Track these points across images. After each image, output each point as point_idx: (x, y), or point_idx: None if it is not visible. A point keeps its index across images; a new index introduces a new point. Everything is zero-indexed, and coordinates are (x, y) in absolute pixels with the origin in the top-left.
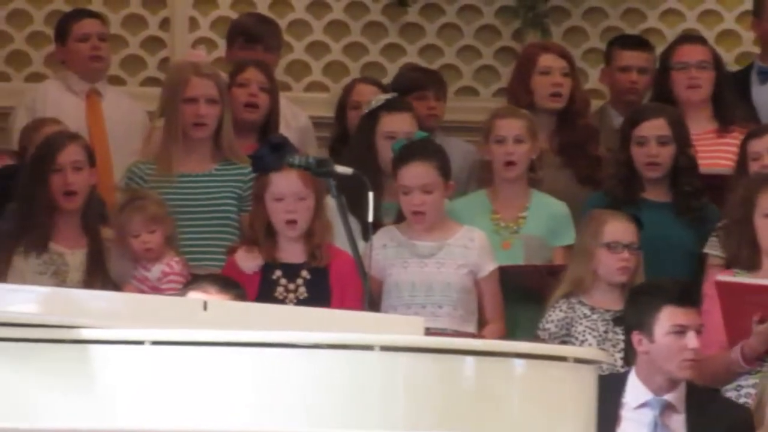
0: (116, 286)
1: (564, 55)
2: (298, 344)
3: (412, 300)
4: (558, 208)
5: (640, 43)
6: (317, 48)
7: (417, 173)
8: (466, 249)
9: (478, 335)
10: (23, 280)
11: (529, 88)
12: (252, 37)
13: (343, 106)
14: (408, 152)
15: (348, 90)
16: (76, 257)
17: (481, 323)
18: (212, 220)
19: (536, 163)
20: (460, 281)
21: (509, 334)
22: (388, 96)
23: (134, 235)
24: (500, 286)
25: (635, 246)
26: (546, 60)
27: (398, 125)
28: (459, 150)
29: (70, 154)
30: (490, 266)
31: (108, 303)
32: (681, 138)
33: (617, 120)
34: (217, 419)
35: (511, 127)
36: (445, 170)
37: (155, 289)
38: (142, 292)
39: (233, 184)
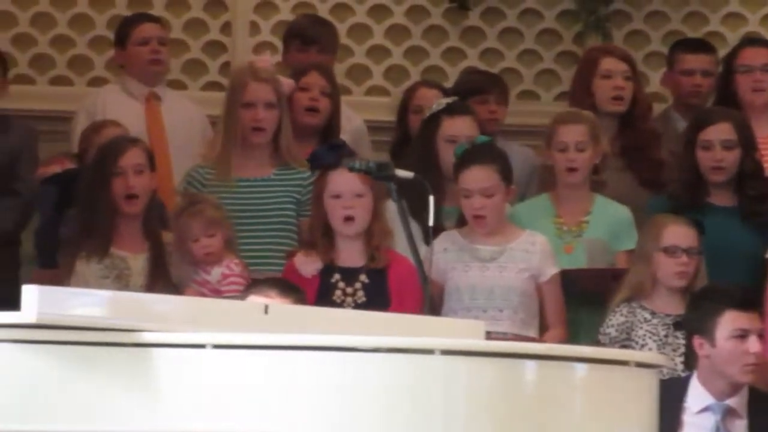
0: (177, 290)
1: (626, 59)
2: (359, 348)
3: (472, 304)
4: (620, 212)
5: (702, 46)
6: (378, 52)
7: (478, 177)
8: (527, 253)
9: (539, 339)
10: (86, 285)
11: (591, 91)
12: (307, 39)
13: (404, 110)
14: (469, 156)
15: (409, 93)
16: (137, 261)
17: (543, 328)
18: (271, 224)
19: (599, 166)
20: (521, 285)
21: (571, 338)
22: (450, 100)
23: (194, 239)
24: (562, 291)
25: (695, 250)
26: (608, 63)
27: (459, 129)
28: (518, 154)
29: (132, 157)
30: (551, 270)
31: (170, 306)
32: (746, 142)
33: (680, 123)
34: (277, 423)
35: (572, 133)
36: (506, 174)
37: (216, 292)
38: (203, 295)
39: (292, 189)
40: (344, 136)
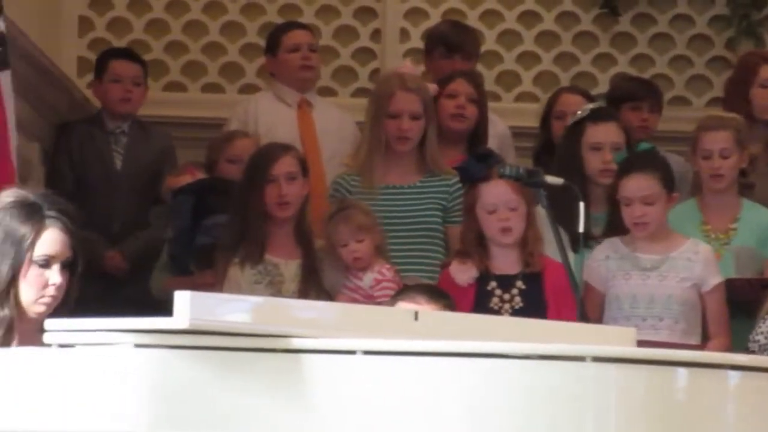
0: (330, 296)
1: None
2: (509, 354)
3: (632, 312)
4: None
5: None
6: (527, 58)
7: (638, 185)
8: (689, 262)
9: (701, 349)
10: (239, 291)
11: (747, 98)
12: (452, 46)
13: (547, 116)
14: (629, 164)
15: (553, 99)
16: (290, 267)
17: (705, 337)
18: (417, 232)
19: (747, 169)
20: (682, 294)
21: None
22: (594, 105)
23: (342, 244)
24: (725, 300)
25: None
26: (767, 72)
27: (603, 135)
28: (671, 162)
29: (284, 165)
30: (714, 280)
31: (319, 312)
32: None
33: None
34: (428, 430)
35: (716, 140)
36: (668, 181)
37: (369, 298)
38: (356, 301)
39: (438, 196)
40: (490, 141)
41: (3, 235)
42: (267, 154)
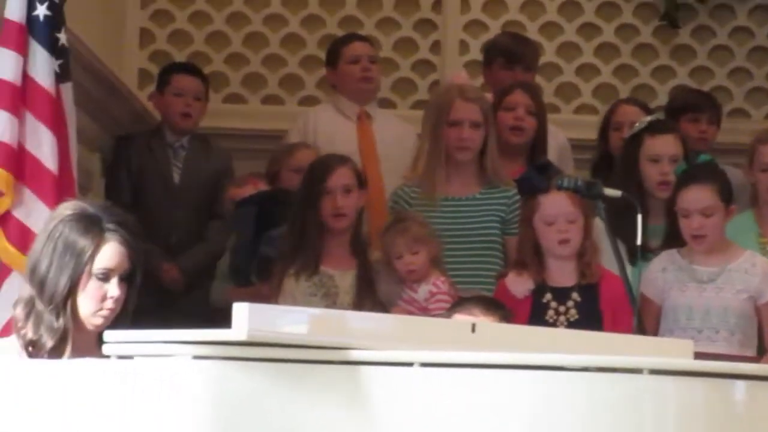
0: (385, 308)
1: None
2: (567, 367)
3: (688, 324)
4: None
5: None
6: (587, 70)
7: (696, 197)
8: (747, 274)
9: (758, 361)
10: (294, 302)
11: None
12: (512, 57)
13: (606, 127)
14: (688, 176)
15: (611, 111)
16: (345, 279)
17: (762, 350)
18: (477, 243)
19: None
20: (739, 306)
21: None
22: (652, 118)
23: (397, 256)
24: None
25: None
26: None
27: (661, 147)
28: (730, 174)
29: (340, 177)
30: None
31: (376, 324)
32: None
33: None
34: None
35: None
36: (725, 194)
37: (423, 310)
38: (411, 313)
39: (498, 208)
40: (549, 152)
41: (62, 247)
42: (323, 166)
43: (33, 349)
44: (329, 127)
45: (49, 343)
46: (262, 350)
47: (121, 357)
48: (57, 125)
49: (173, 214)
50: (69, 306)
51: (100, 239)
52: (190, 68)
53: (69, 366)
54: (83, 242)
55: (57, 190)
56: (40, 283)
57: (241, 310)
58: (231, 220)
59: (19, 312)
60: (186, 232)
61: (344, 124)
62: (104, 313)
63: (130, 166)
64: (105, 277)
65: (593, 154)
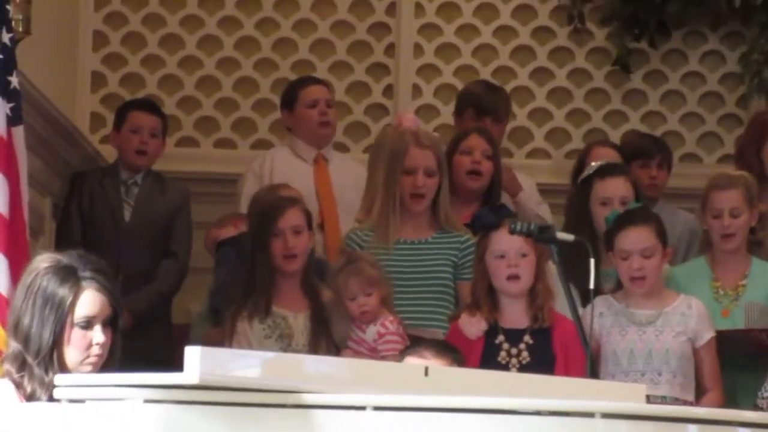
0: (339, 348)
1: None
2: (520, 410)
3: (630, 367)
4: None
5: None
6: (540, 114)
7: (636, 238)
8: (683, 316)
9: (696, 403)
10: (249, 345)
11: (760, 156)
12: (482, 108)
13: (580, 170)
14: (626, 218)
15: (585, 154)
16: (299, 320)
17: (699, 391)
18: (429, 287)
19: (757, 226)
20: (679, 348)
21: (730, 401)
22: (602, 162)
23: (351, 297)
24: (717, 354)
25: None
26: None
27: (612, 191)
28: (679, 218)
29: (290, 218)
30: (708, 334)
31: (330, 368)
32: None
33: None
34: None
35: (726, 200)
36: (663, 235)
37: (372, 350)
38: (360, 354)
39: (450, 252)
40: (530, 209)
41: (42, 300)
42: (273, 208)
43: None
44: (286, 170)
45: (43, 397)
46: (215, 394)
47: (72, 401)
48: (8, 168)
49: (123, 253)
50: (56, 358)
51: (77, 288)
52: (147, 105)
53: (20, 410)
54: (62, 293)
55: (8, 234)
56: (24, 339)
57: (193, 354)
58: (178, 264)
59: (9, 367)
60: (135, 271)
61: (301, 166)
62: (92, 360)
63: (81, 205)
64: (87, 324)
65: (553, 198)
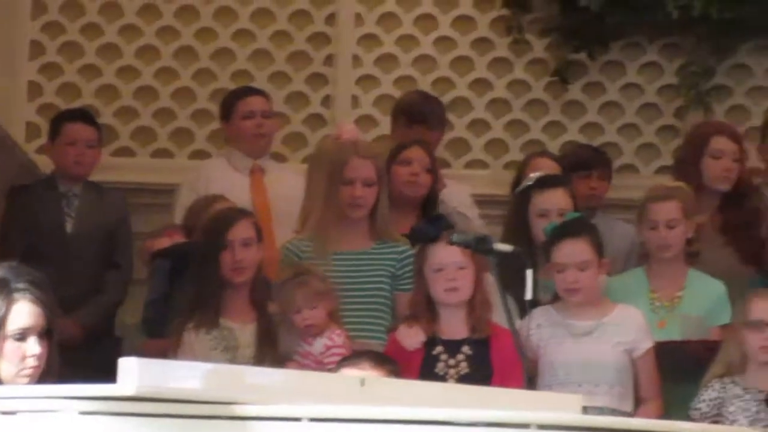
0: (284, 361)
1: (736, 139)
2: (455, 422)
3: (567, 379)
4: (715, 287)
5: None
6: (478, 125)
7: (572, 250)
8: (622, 327)
9: (634, 414)
10: (194, 356)
11: (699, 168)
12: (415, 116)
13: (519, 181)
14: (561, 230)
15: (525, 165)
16: (245, 332)
17: (637, 402)
18: (367, 298)
19: (694, 238)
20: (616, 359)
21: (663, 412)
22: (540, 173)
23: (296, 310)
24: (656, 364)
25: None
26: (719, 143)
27: (550, 202)
28: (618, 229)
29: (240, 231)
30: (646, 344)
31: (267, 379)
32: None
33: None
34: None
35: (663, 211)
36: (598, 247)
37: (319, 363)
38: (307, 366)
39: (388, 263)
40: (453, 207)
41: None
42: (223, 220)
43: None
44: (222, 181)
45: None
46: (151, 405)
47: (4, 413)
48: None
49: (68, 265)
50: None
51: (9, 301)
52: (81, 115)
53: None
54: None
55: None
56: None
57: (129, 365)
58: (123, 274)
59: None
60: (81, 283)
61: (237, 177)
62: (27, 372)
63: (21, 219)
64: (21, 336)
65: (491, 209)
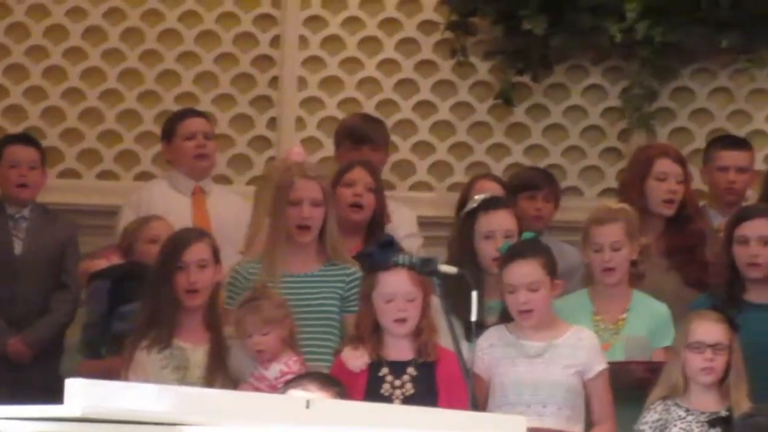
0: (235, 384)
1: (680, 161)
2: None
3: (517, 399)
4: (658, 309)
5: (738, 142)
6: (423, 147)
7: (522, 271)
8: (574, 349)
9: None
10: (145, 375)
11: (643, 191)
12: (358, 138)
13: (464, 203)
14: (513, 252)
15: (469, 187)
16: (197, 354)
17: (589, 424)
18: (316, 320)
19: (638, 259)
20: (566, 381)
21: None
22: (486, 195)
23: (247, 335)
24: (609, 386)
25: (721, 346)
26: (663, 165)
27: (496, 224)
28: (563, 252)
29: (195, 252)
30: (599, 366)
31: (213, 400)
32: None
33: (716, 220)
34: None
35: (607, 234)
36: (551, 268)
37: (273, 388)
38: (260, 390)
39: (336, 285)
40: (399, 229)
41: None
42: (179, 241)
43: None
44: (163, 203)
45: None
46: (98, 427)
47: None
48: None
49: (16, 286)
50: None
51: None
52: (22, 138)
53: None
54: None
55: None
56: None
57: (74, 386)
58: (71, 294)
59: None
60: (30, 303)
61: (179, 199)
62: None
63: None
64: None
65: (435, 231)
